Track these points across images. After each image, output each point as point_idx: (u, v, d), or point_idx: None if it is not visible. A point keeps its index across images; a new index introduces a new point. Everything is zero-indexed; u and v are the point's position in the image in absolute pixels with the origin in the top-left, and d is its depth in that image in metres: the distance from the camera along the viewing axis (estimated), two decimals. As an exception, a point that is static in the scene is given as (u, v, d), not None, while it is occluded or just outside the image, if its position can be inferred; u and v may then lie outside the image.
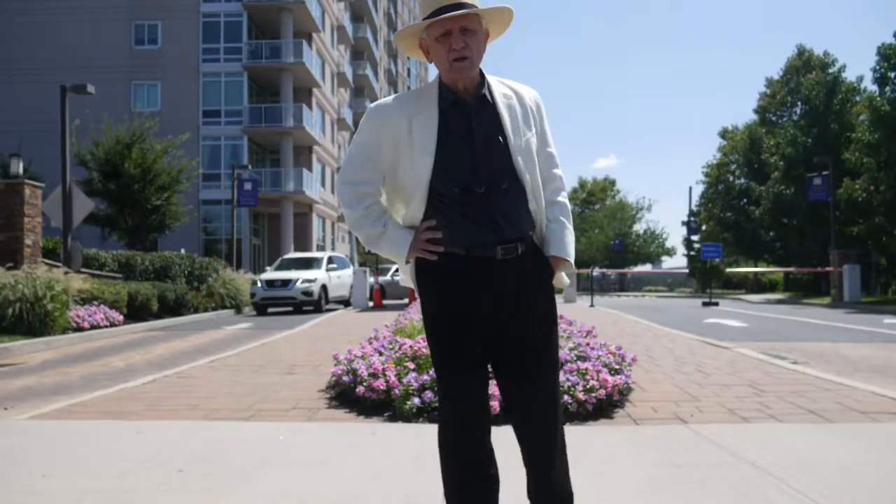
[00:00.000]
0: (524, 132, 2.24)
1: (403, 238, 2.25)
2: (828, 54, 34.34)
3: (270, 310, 20.33)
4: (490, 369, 2.31)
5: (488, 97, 2.24)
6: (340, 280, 21.36)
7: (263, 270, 22.96)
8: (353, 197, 2.28)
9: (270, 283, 19.45)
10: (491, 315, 2.18)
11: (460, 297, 2.18)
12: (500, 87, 2.29)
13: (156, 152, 22.55)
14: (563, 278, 2.37)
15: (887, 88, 24.23)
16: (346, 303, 21.86)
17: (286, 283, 19.40)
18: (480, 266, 2.18)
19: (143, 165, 22.07)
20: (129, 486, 3.25)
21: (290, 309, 19.96)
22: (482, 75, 2.28)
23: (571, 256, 2.31)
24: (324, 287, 19.88)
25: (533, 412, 2.22)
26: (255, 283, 20.07)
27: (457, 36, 2.15)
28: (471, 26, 2.17)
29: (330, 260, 21.64)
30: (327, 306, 20.19)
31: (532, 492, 2.27)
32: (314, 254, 23.84)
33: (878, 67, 24.45)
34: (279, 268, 21.06)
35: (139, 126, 22.57)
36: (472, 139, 2.19)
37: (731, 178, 42.46)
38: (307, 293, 19.30)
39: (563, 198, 2.36)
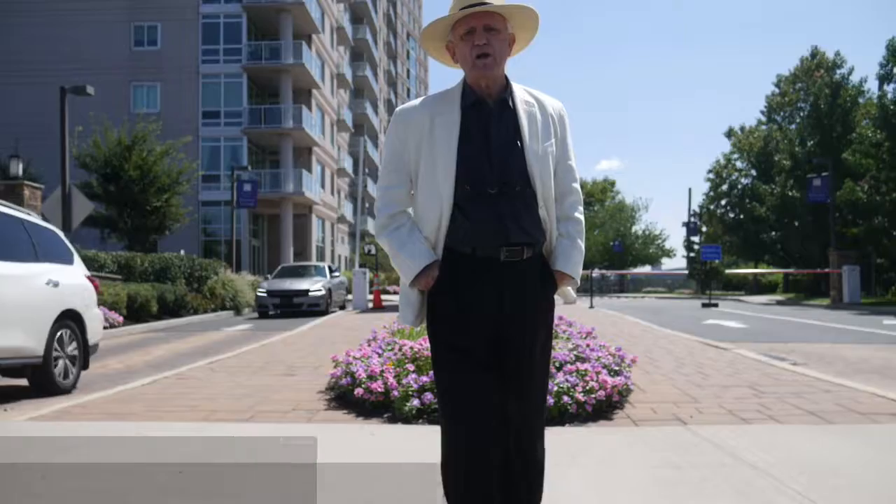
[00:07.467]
0: (542, 140, 2.26)
1: (419, 262, 2.23)
2: (839, 54, 34.37)
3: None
4: None
5: (509, 102, 2.27)
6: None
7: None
8: (381, 202, 2.32)
9: None
10: (491, 315, 2.19)
11: (464, 296, 2.20)
12: (523, 95, 2.31)
13: (156, 154, 22.52)
14: (569, 293, 2.41)
15: (892, 86, 24.28)
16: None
17: None
18: (485, 266, 2.19)
19: (143, 168, 22.02)
20: (128, 487, 3.24)
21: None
22: (507, 81, 2.31)
23: (577, 274, 2.32)
24: None
25: (518, 424, 2.24)
26: None
27: (480, 33, 2.19)
28: (494, 25, 2.21)
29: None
30: None
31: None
32: None
33: (884, 63, 24.42)
34: None
35: (142, 128, 22.51)
36: (488, 141, 2.21)
37: (736, 177, 42.46)
38: None
39: (580, 213, 2.38)
